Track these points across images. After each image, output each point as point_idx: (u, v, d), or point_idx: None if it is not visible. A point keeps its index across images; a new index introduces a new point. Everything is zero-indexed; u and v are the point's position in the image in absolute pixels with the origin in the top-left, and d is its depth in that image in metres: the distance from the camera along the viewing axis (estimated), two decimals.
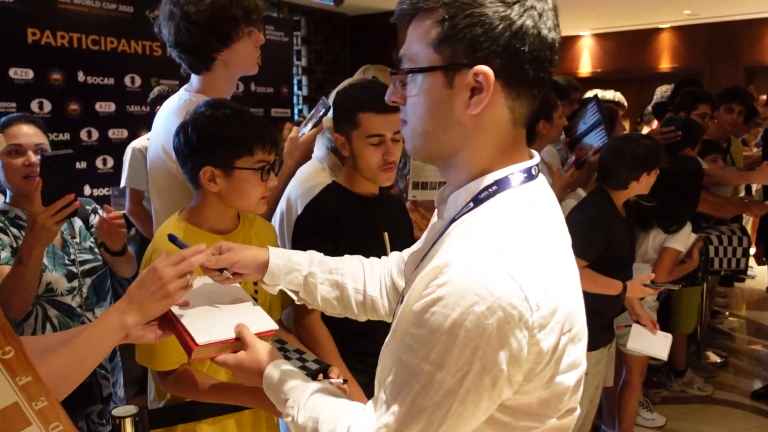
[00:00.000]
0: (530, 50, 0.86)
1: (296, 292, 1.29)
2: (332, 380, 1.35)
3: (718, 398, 3.84)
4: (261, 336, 1.19)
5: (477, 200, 0.91)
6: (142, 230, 3.44)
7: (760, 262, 4.84)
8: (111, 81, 5.06)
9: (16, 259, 1.75)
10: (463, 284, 0.80)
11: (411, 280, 0.95)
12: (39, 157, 1.91)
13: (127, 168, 3.44)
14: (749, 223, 5.40)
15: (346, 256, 1.33)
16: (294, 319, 1.83)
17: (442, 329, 0.81)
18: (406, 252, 1.30)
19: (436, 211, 1.09)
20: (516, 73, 0.87)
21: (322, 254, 1.32)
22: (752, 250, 4.16)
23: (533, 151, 0.97)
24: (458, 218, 0.92)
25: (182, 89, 1.99)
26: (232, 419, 1.62)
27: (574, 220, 2.47)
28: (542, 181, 0.96)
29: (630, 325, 2.79)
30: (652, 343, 2.74)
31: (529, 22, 0.86)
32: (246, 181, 1.55)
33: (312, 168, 2.16)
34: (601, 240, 2.49)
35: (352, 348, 1.80)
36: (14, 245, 1.90)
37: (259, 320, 1.22)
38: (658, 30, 8.71)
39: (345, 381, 1.42)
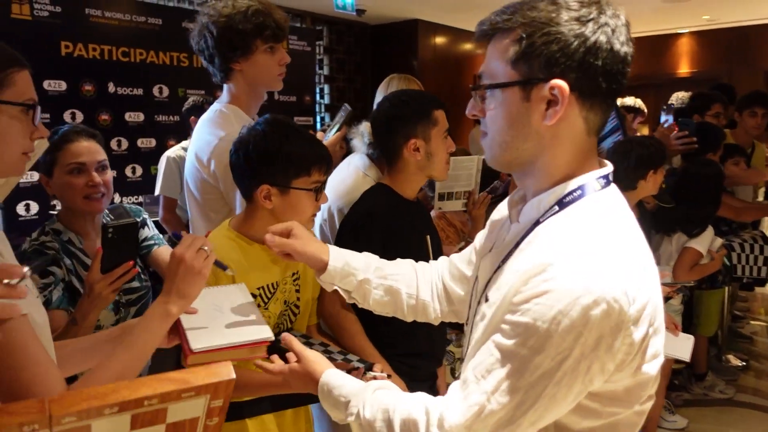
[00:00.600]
0: (603, 64, 0.92)
1: (348, 292, 1.36)
2: (376, 374, 1.44)
3: (740, 401, 3.87)
4: (256, 345, 1.26)
5: (562, 204, 0.98)
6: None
7: None
8: (140, 91, 5.21)
9: (70, 318, 1.68)
10: (569, 279, 0.87)
11: (494, 281, 1.02)
12: (102, 221, 1.85)
13: (162, 176, 3.55)
14: None
15: (400, 261, 1.41)
16: (317, 308, 1.88)
17: (545, 318, 0.87)
18: (457, 258, 1.36)
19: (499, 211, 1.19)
20: (590, 86, 0.94)
21: (377, 257, 1.40)
22: None
23: (605, 161, 1.05)
24: (543, 221, 0.99)
25: (216, 102, 2.12)
26: (273, 417, 1.71)
27: None
28: (615, 188, 1.04)
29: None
30: (674, 345, 2.79)
31: (602, 38, 0.92)
32: (301, 201, 1.61)
33: (354, 178, 2.24)
34: None
35: (397, 350, 1.87)
36: (66, 279, 1.78)
37: (257, 329, 1.28)
38: (677, 35, 8.72)
39: (389, 376, 1.50)
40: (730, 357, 4.40)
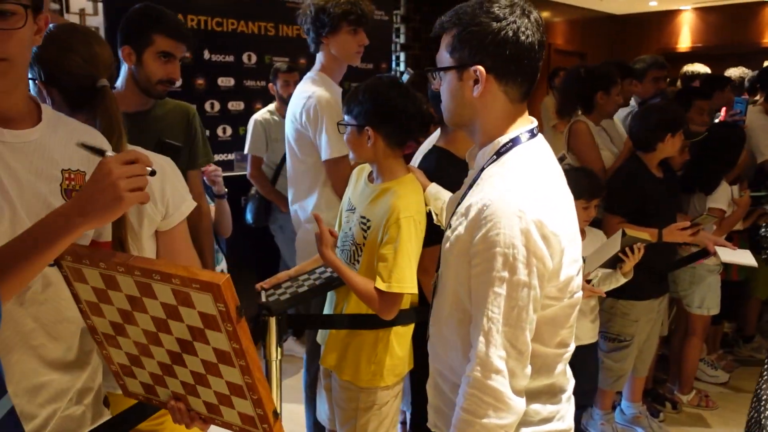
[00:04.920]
0: (510, 53, 1.27)
1: (437, 215, 2.00)
2: None
3: None
4: None
5: (499, 153, 1.33)
6: (261, 191, 4.01)
7: None
8: (231, 58, 5.69)
9: None
10: (503, 211, 1.21)
11: (455, 214, 1.35)
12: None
13: (250, 137, 4.00)
14: None
15: None
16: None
17: (501, 244, 1.19)
18: None
19: None
20: (502, 69, 1.29)
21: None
22: None
23: (533, 118, 1.39)
24: (486, 167, 1.34)
25: (309, 72, 2.69)
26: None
27: (609, 183, 2.83)
28: (542, 138, 1.39)
29: (705, 257, 3.07)
30: (739, 256, 3.00)
31: (510, 33, 1.26)
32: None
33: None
34: (630, 197, 2.82)
35: None
36: None
37: None
38: (762, 4, 8.49)
39: None
40: None
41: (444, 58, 1.35)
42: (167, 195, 1.48)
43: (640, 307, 2.92)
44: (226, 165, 5.31)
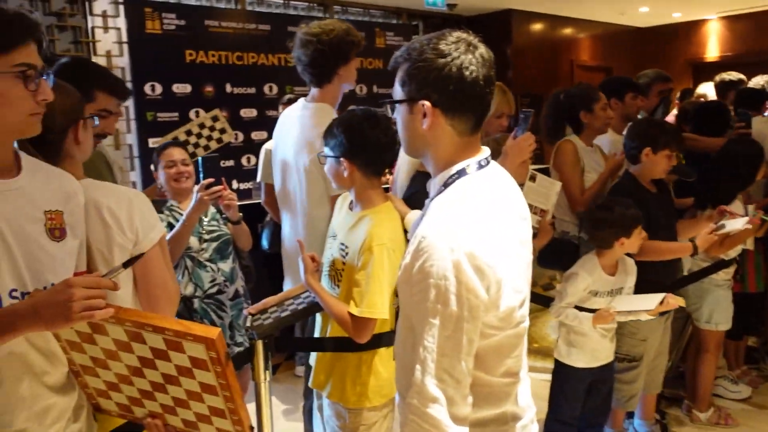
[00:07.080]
0: (454, 88, 1.29)
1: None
2: None
3: None
4: None
5: (446, 184, 1.35)
6: (275, 217, 4.12)
7: None
8: (253, 90, 5.88)
9: (181, 221, 2.64)
10: (437, 243, 1.22)
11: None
12: (199, 158, 2.70)
13: (261, 166, 4.11)
14: None
15: None
16: None
17: (434, 276, 1.20)
18: None
19: None
20: (447, 103, 1.31)
21: None
22: None
23: (485, 148, 1.40)
24: (434, 198, 1.37)
25: (301, 100, 2.73)
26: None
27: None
28: (493, 166, 1.40)
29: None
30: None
31: (453, 69, 1.28)
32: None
33: None
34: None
35: None
36: (171, 222, 2.77)
37: None
38: None
39: None
40: None
41: (397, 90, 1.38)
42: (135, 223, 1.58)
43: (648, 326, 2.88)
44: (245, 194, 5.49)
